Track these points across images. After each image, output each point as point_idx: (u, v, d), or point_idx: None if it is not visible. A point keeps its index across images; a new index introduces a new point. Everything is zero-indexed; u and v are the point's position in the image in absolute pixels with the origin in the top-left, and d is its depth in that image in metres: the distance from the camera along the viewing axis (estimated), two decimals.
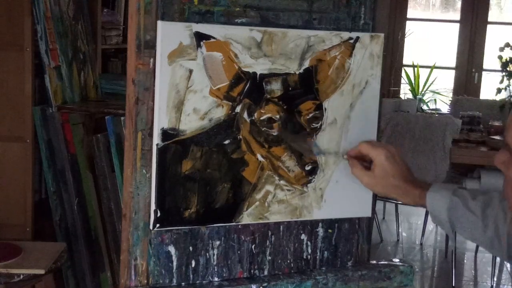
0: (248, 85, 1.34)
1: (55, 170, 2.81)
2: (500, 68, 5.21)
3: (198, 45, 1.28)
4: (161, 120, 1.28)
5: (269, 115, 1.37)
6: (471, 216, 1.25)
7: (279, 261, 1.46)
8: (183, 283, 1.37)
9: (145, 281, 1.33)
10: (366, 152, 1.34)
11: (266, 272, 1.44)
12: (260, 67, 1.35)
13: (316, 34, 1.39)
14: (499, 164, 1.10)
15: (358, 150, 1.36)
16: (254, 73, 1.34)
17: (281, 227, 1.44)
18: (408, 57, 7.21)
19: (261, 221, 1.41)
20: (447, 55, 7.32)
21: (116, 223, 2.61)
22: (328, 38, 1.41)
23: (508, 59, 5.09)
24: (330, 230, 1.50)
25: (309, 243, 1.48)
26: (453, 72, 7.18)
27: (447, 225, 1.29)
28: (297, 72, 1.38)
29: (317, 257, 1.49)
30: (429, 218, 4.98)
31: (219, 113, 1.33)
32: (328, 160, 1.44)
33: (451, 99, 6.35)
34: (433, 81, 7.18)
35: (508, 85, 5.12)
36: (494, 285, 4.18)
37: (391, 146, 1.36)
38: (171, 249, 1.34)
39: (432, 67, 7.13)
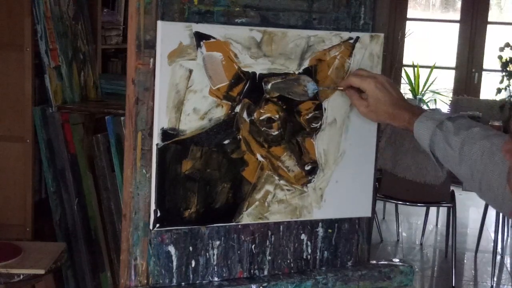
0: (247, 85, 1.34)
1: (55, 170, 2.81)
2: (500, 68, 5.21)
3: (198, 45, 1.28)
4: (161, 120, 1.28)
5: (268, 115, 1.37)
6: (450, 150, 1.32)
7: (279, 261, 1.46)
8: (183, 283, 1.37)
9: (145, 281, 1.33)
10: (357, 85, 1.39)
11: (266, 272, 1.44)
12: (259, 67, 1.35)
13: (316, 34, 1.39)
14: (505, 152, 1.13)
15: (348, 82, 1.41)
16: (254, 73, 1.35)
17: (281, 227, 1.44)
18: (408, 57, 7.21)
19: (261, 221, 1.41)
20: (447, 55, 7.32)
21: (116, 223, 2.61)
22: (328, 38, 1.41)
23: (508, 59, 5.09)
24: (330, 230, 1.50)
25: (309, 243, 1.48)
26: (453, 72, 7.18)
27: (429, 154, 1.38)
28: (297, 72, 1.38)
29: (317, 257, 1.49)
30: (429, 218, 4.99)
31: (219, 113, 1.33)
32: (328, 160, 1.44)
33: (451, 99, 6.36)
34: (433, 81, 7.18)
35: (508, 85, 5.12)
36: (494, 285, 4.18)
37: (380, 75, 1.42)
38: (171, 249, 1.35)
39: (432, 67, 7.13)
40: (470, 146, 1.30)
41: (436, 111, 1.42)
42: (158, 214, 1.30)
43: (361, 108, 1.40)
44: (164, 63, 1.26)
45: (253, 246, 1.43)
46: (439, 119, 1.35)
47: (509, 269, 4.54)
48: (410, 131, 1.39)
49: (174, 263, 1.35)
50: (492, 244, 4.36)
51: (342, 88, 1.41)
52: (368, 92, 1.37)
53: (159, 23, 1.26)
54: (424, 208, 4.97)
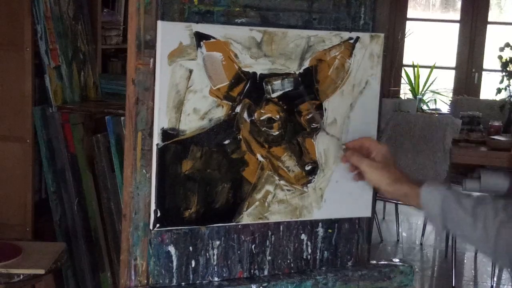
0: (248, 85, 1.34)
1: (55, 170, 2.81)
2: (500, 68, 5.21)
3: (198, 45, 1.28)
4: (161, 120, 1.28)
5: (269, 115, 1.37)
6: (462, 212, 1.28)
7: (279, 261, 1.46)
8: (183, 283, 1.37)
9: (145, 281, 1.33)
10: (368, 144, 1.39)
11: (266, 272, 1.44)
12: (260, 67, 1.35)
13: (316, 34, 1.39)
14: None
15: (359, 141, 1.41)
16: (254, 73, 1.34)
17: (281, 227, 1.44)
18: (408, 57, 7.21)
19: (261, 221, 1.41)
20: (447, 55, 7.31)
21: (116, 223, 2.61)
22: (328, 38, 1.41)
23: (508, 59, 5.09)
24: (330, 230, 1.50)
25: (309, 243, 1.48)
26: (453, 72, 7.17)
27: (439, 219, 1.31)
28: (297, 72, 1.38)
29: (317, 257, 1.49)
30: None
31: (219, 113, 1.33)
32: (328, 160, 1.44)
33: (451, 99, 6.35)
34: (433, 81, 7.17)
35: (508, 85, 5.11)
36: (494, 285, 4.18)
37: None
38: (171, 249, 1.34)
39: (432, 67, 7.12)
40: (483, 206, 1.26)
41: (436, 181, 1.41)
42: (158, 214, 1.30)
43: (365, 162, 1.38)
44: (164, 63, 1.26)
45: (253, 246, 1.43)
46: (446, 185, 1.34)
47: (509, 269, 4.54)
48: (410, 196, 1.34)
49: (174, 263, 1.35)
50: None
51: (344, 147, 1.43)
52: (378, 152, 1.38)
53: (159, 23, 1.26)
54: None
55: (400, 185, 1.35)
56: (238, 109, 1.34)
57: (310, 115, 1.41)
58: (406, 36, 7.12)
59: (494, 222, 1.23)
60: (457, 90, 6.97)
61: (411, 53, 7.25)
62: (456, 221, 1.29)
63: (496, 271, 4.29)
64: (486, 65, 6.98)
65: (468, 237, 1.30)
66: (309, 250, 1.48)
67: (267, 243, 1.44)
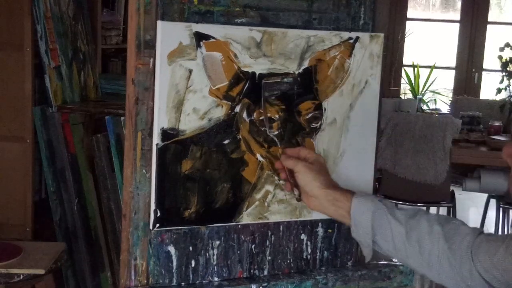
0: (247, 85, 1.34)
1: (55, 170, 2.81)
2: (500, 68, 5.21)
3: (198, 45, 1.28)
4: (161, 120, 1.28)
5: (268, 115, 1.37)
6: (395, 223, 1.23)
7: (279, 261, 1.46)
8: (183, 283, 1.37)
9: (145, 281, 1.33)
10: (305, 154, 1.34)
11: (266, 272, 1.44)
12: (259, 67, 1.35)
13: (316, 34, 1.39)
14: (507, 156, 1.10)
15: (296, 150, 1.35)
16: (254, 73, 1.35)
17: (281, 227, 1.44)
18: (408, 57, 7.21)
19: (261, 221, 1.41)
20: (447, 55, 7.31)
21: (116, 223, 2.61)
22: (328, 38, 1.41)
23: (508, 59, 5.09)
24: (330, 230, 1.50)
25: (309, 243, 1.48)
26: (453, 72, 7.17)
27: (367, 233, 1.25)
28: (297, 72, 1.38)
29: (317, 257, 1.49)
30: None
31: (219, 113, 1.33)
32: (328, 160, 1.44)
33: (451, 99, 6.35)
34: (433, 81, 7.18)
35: (508, 85, 5.11)
36: None
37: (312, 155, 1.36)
38: (171, 249, 1.35)
39: (432, 67, 7.13)
40: (418, 219, 1.22)
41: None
42: (158, 214, 1.30)
43: (300, 166, 1.31)
44: (164, 63, 1.26)
45: (253, 246, 1.43)
46: (378, 197, 1.28)
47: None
48: (341, 206, 1.27)
49: (174, 263, 1.35)
50: None
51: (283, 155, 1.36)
52: (316, 159, 1.33)
53: (159, 23, 1.26)
54: (424, 208, 4.97)
55: (332, 190, 1.29)
56: (237, 109, 1.34)
57: (310, 115, 1.41)
58: (406, 36, 7.13)
59: (429, 237, 1.19)
60: (457, 90, 6.97)
61: (411, 53, 7.25)
62: (387, 233, 1.24)
63: None
64: (486, 65, 6.98)
65: (398, 249, 1.24)
66: (309, 250, 1.48)
67: (267, 243, 1.44)
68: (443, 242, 1.19)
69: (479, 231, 1.20)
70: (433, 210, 5.18)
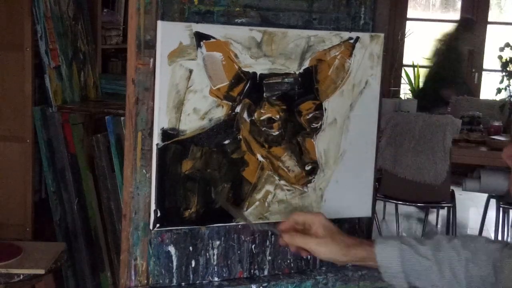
0: (248, 85, 1.34)
1: (55, 170, 2.81)
2: (500, 68, 5.21)
3: (198, 45, 1.28)
4: (161, 120, 1.28)
5: (269, 115, 1.37)
6: (425, 261, 1.21)
7: (279, 261, 1.46)
8: (183, 283, 1.37)
9: (145, 281, 1.33)
10: (302, 218, 1.28)
11: (266, 272, 1.44)
12: (260, 67, 1.35)
13: (316, 34, 1.39)
14: (507, 158, 1.09)
15: (291, 220, 1.28)
16: (254, 73, 1.34)
17: None
18: (408, 57, 7.21)
19: (261, 221, 1.41)
20: None
21: (116, 223, 2.61)
22: (328, 38, 1.41)
23: (508, 59, 5.09)
24: None
25: None
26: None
27: (400, 277, 1.23)
28: (297, 72, 1.38)
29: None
30: (429, 218, 4.95)
31: (219, 113, 1.33)
32: (328, 160, 1.44)
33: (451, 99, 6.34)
34: None
35: (508, 85, 5.12)
36: None
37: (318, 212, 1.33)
38: (171, 249, 1.34)
39: None
40: (443, 250, 1.21)
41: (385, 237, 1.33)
42: (158, 214, 1.30)
43: (312, 242, 1.24)
44: (164, 63, 1.26)
45: (253, 246, 1.43)
46: (397, 238, 1.26)
47: None
48: (368, 258, 1.25)
49: (174, 263, 1.35)
50: None
51: (281, 232, 1.29)
52: (318, 224, 1.25)
53: (159, 23, 1.26)
54: (424, 208, 4.97)
55: (355, 251, 1.24)
56: (238, 109, 1.34)
57: (310, 115, 1.41)
58: (406, 36, 7.12)
59: (459, 263, 1.19)
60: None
61: (411, 53, 7.25)
62: (421, 273, 1.22)
63: None
64: (486, 65, 6.98)
65: (438, 285, 1.23)
66: None
67: (267, 243, 1.44)
68: (472, 265, 1.19)
69: (504, 244, 1.19)
70: (433, 210, 5.19)
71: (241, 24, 1.34)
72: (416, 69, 7.12)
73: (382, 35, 1.47)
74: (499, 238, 4.47)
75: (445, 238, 1.25)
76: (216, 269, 1.40)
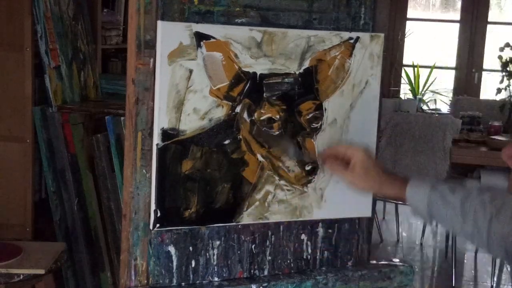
0: (248, 85, 1.34)
1: (55, 170, 2.81)
2: (500, 68, 5.21)
3: (198, 45, 1.28)
4: (161, 120, 1.28)
5: (269, 115, 1.37)
6: (450, 210, 1.27)
7: (279, 261, 1.46)
8: (183, 283, 1.37)
9: (145, 281, 1.33)
10: (343, 152, 1.36)
11: (266, 272, 1.44)
12: (260, 67, 1.35)
13: (316, 34, 1.39)
14: (507, 158, 1.11)
15: (334, 150, 1.37)
16: (254, 73, 1.34)
17: (281, 227, 1.44)
18: (408, 57, 7.21)
19: (261, 221, 1.41)
20: (447, 55, 7.31)
21: (116, 223, 2.61)
22: (328, 38, 1.41)
23: (508, 59, 5.09)
24: (330, 230, 1.49)
25: (309, 243, 1.48)
26: (453, 72, 7.17)
27: (427, 218, 1.32)
28: (297, 72, 1.38)
29: (317, 257, 1.49)
30: None
31: (219, 113, 1.33)
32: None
33: (451, 99, 6.35)
34: (433, 81, 7.17)
35: (508, 85, 5.11)
36: (494, 285, 4.18)
37: (365, 147, 1.39)
38: (171, 249, 1.34)
39: (432, 67, 7.12)
40: (471, 201, 1.25)
41: (422, 176, 1.39)
42: (158, 214, 1.30)
43: (347, 176, 1.35)
44: (164, 63, 1.26)
45: (253, 246, 1.43)
46: (430, 182, 1.32)
47: (509, 269, 4.54)
48: (399, 198, 1.33)
49: (174, 263, 1.35)
50: None
51: (322, 160, 1.38)
52: (356, 159, 1.33)
53: (159, 23, 1.26)
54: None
55: (387, 189, 1.34)
56: (238, 109, 1.34)
57: (311, 115, 1.41)
58: (406, 36, 7.12)
59: (484, 217, 1.23)
60: (457, 90, 6.97)
61: (411, 53, 7.25)
62: (445, 219, 1.29)
63: (496, 271, 4.29)
64: (486, 65, 6.98)
65: (459, 232, 1.30)
66: (309, 250, 1.48)
67: (267, 243, 1.44)
68: (496, 222, 1.21)
69: None
70: None
71: (241, 24, 1.34)
72: (416, 69, 7.12)
73: (382, 35, 1.47)
74: None
75: (477, 190, 1.29)
76: (216, 269, 1.40)
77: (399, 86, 7.15)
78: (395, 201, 4.33)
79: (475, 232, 1.25)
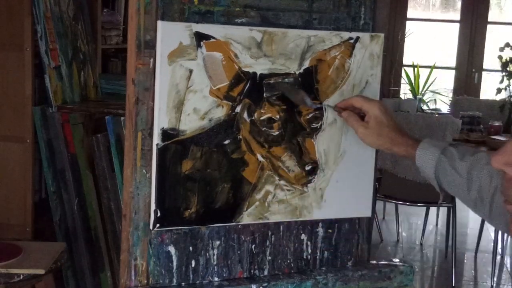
0: (248, 85, 1.34)
1: (55, 170, 2.81)
2: (500, 68, 5.21)
3: (198, 45, 1.28)
4: (161, 120, 1.28)
5: (269, 115, 1.37)
6: (457, 176, 1.28)
7: (279, 261, 1.46)
8: (183, 283, 1.37)
9: (145, 281, 1.33)
10: (359, 105, 1.37)
11: (266, 272, 1.44)
12: (260, 67, 1.35)
13: (316, 34, 1.39)
14: (501, 165, 1.11)
15: (349, 102, 1.38)
16: (254, 73, 1.34)
17: (281, 227, 1.44)
18: (408, 57, 7.21)
19: (261, 221, 1.41)
20: (447, 55, 7.32)
21: (116, 223, 2.61)
22: (328, 38, 1.41)
23: (508, 59, 5.09)
24: (330, 230, 1.49)
25: (309, 243, 1.48)
26: (453, 72, 7.18)
27: (433, 181, 1.33)
28: (297, 72, 1.38)
29: (317, 257, 1.49)
30: (429, 218, 4.97)
31: (219, 113, 1.33)
32: (328, 160, 1.44)
33: (451, 99, 6.35)
34: (433, 81, 7.18)
35: (508, 85, 5.11)
36: (494, 285, 4.18)
37: (382, 101, 1.41)
38: (171, 249, 1.34)
39: (432, 67, 7.13)
40: (478, 170, 1.26)
41: (434, 138, 1.40)
42: (158, 214, 1.30)
43: (360, 129, 1.37)
44: (164, 63, 1.26)
45: (253, 246, 1.43)
46: (441, 146, 1.33)
47: (509, 269, 4.54)
48: (409, 157, 1.36)
49: (174, 263, 1.35)
50: (492, 244, 4.35)
51: (339, 110, 1.39)
52: (371, 114, 1.35)
53: (159, 23, 1.26)
54: (424, 208, 4.97)
55: (397, 148, 1.36)
56: (238, 109, 1.34)
57: (311, 115, 1.41)
58: (406, 36, 7.13)
59: (489, 187, 1.24)
60: (457, 90, 6.97)
61: (411, 53, 7.26)
62: (451, 184, 1.30)
63: (496, 271, 4.29)
64: (486, 65, 6.99)
65: (463, 198, 1.31)
66: (309, 250, 1.48)
67: (267, 243, 1.44)
68: (499, 195, 1.22)
69: None
70: (433, 210, 5.19)
71: (241, 24, 1.34)
72: (416, 69, 7.12)
73: (382, 35, 1.47)
74: (499, 238, 4.48)
75: (486, 157, 1.29)
76: (216, 269, 1.40)
77: (399, 86, 7.16)
78: (395, 201, 4.33)
79: (479, 201, 1.26)
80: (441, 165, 1.30)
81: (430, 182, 1.36)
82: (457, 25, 7.13)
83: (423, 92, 7.13)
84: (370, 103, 1.36)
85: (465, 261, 4.64)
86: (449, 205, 4.21)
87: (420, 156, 1.33)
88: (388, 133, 1.35)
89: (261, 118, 1.36)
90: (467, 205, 1.33)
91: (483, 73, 7.05)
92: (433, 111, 6.14)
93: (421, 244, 4.92)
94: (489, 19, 7.08)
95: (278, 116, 1.38)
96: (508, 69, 5.10)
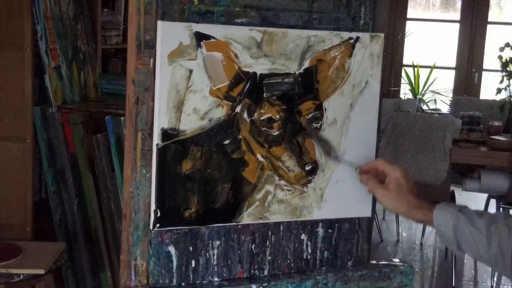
0: (248, 85, 1.34)
1: (55, 170, 2.81)
2: (500, 68, 5.20)
3: (198, 45, 1.28)
4: (161, 120, 1.28)
5: (269, 115, 1.37)
6: (476, 232, 1.29)
7: (279, 261, 1.46)
8: (183, 283, 1.37)
9: (145, 281, 1.33)
10: (382, 168, 1.40)
11: (266, 272, 1.44)
12: (260, 67, 1.35)
13: (316, 34, 1.39)
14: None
15: (373, 165, 1.42)
16: (254, 73, 1.34)
17: (281, 227, 1.44)
18: (408, 57, 7.21)
19: (261, 221, 1.41)
20: (447, 55, 7.31)
21: (116, 223, 2.61)
22: (328, 38, 1.41)
23: (508, 59, 5.08)
24: (330, 230, 1.49)
25: (309, 243, 1.48)
26: (453, 72, 7.18)
27: (452, 242, 1.33)
28: (297, 72, 1.38)
29: (317, 257, 1.49)
30: None
31: (219, 113, 1.33)
32: (328, 160, 1.44)
33: (451, 99, 6.35)
34: (433, 81, 7.18)
35: (508, 85, 5.11)
36: (494, 285, 4.18)
37: (402, 165, 1.44)
38: (171, 249, 1.34)
39: (432, 67, 7.13)
40: (497, 225, 1.27)
41: (449, 203, 1.41)
42: (158, 214, 1.30)
43: (380, 191, 1.39)
44: (164, 63, 1.26)
45: (253, 246, 1.43)
46: (458, 206, 1.34)
47: None
48: (426, 220, 1.37)
49: (174, 263, 1.35)
50: None
51: (358, 170, 1.43)
52: (392, 177, 1.38)
53: (159, 23, 1.26)
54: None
55: (415, 212, 1.37)
56: (238, 109, 1.34)
57: (310, 115, 1.41)
58: (406, 36, 7.13)
59: (509, 241, 1.24)
60: (457, 90, 6.97)
61: (411, 53, 7.26)
62: (471, 243, 1.30)
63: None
64: (486, 65, 6.98)
65: (484, 257, 1.30)
66: (309, 250, 1.48)
67: (267, 243, 1.44)
68: None
69: None
70: None
71: (241, 24, 1.34)
72: (416, 69, 7.12)
73: (382, 35, 1.47)
74: None
75: (503, 214, 1.31)
76: (216, 269, 1.40)
77: (399, 86, 7.15)
78: None
79: (499, 257, 1.26)
80: (459, 224, 1.31)
81: (448, 245, 1.37)
82: (457, 25, 7.13)
83: (423, 92, 7.13)
84: (392, 166, 1.40)
85: (465, 261, 4.64)
86: None
87: (438, 215, 1.33)
88: (407, 196, 1.37)
89: (261, 118, 1.36)
90: (487, 263, 1.33)
91: (483, 73, 7.05)
92: (433, 111, 6.14)
93: (421, 244, 4.92)
94: (489, 19, 7.07)
95: (278, 116, 1.38)
96: (508, 69, 5.10)
